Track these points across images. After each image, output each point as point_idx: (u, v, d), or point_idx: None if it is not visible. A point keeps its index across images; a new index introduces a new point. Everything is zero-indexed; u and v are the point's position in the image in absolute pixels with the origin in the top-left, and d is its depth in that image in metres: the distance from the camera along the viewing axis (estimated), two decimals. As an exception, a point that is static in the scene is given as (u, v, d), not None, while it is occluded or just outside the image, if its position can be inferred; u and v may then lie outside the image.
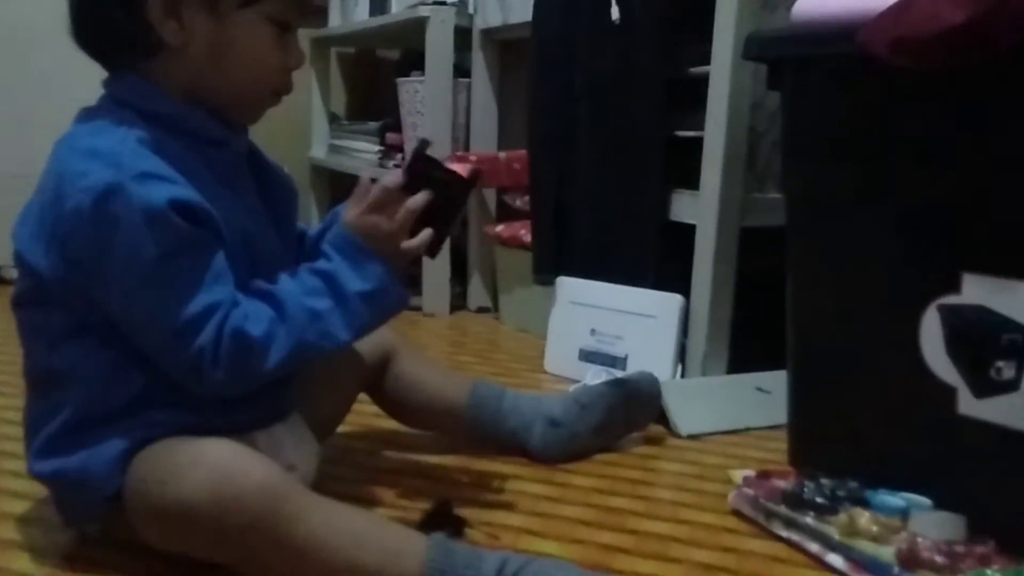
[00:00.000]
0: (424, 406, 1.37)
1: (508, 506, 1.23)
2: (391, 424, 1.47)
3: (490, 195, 2.40)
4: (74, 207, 0.92)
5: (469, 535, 1.12)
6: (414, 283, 2.37)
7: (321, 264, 1.02)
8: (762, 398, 1.61)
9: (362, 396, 1.38)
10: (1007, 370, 1.09)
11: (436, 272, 2.38)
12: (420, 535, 0.92)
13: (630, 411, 1.45)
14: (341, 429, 1.39)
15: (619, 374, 1.60)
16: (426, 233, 1.06)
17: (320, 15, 3.10)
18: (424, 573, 0.88)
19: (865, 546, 1.10)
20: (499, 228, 2.28)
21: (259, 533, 0.87)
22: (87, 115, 1.01)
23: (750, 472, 1.29)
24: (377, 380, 1.34)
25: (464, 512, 1.17)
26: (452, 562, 0.89)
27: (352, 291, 1.00)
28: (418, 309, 2.41)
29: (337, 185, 3.19)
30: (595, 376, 1.67)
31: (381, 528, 0.94)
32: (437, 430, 1.42)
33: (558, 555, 1.10)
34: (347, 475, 1.32)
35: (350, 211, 1.04)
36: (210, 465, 0.89)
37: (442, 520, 1.14)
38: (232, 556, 0.92)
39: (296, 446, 1.11)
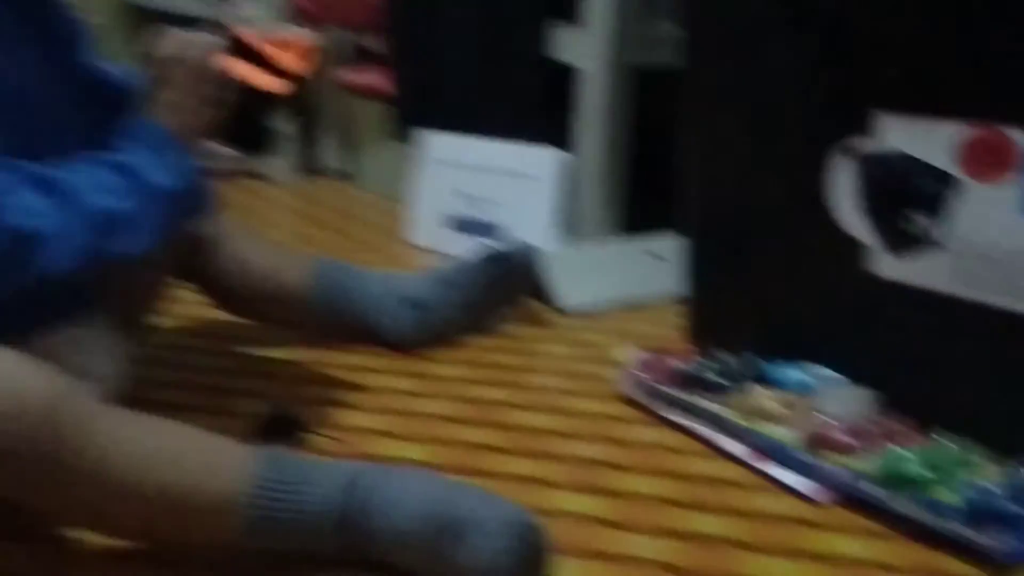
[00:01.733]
0: (258, 293, 1.29)
1: (360, 405, 1.19)
2: (222, 315, 1.39)
3: (343, 37, 2.27)
4: None
5: (312, 442, 1.08)
6: (253, 144, 2.25)
7: (120, 156, 0.93)
8: (656, 266, 1.59)
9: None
10: (923, 222, 1.08)
11: (282, 132, 2.26)
12: (244, 448, 0.86)
13: (502, 286, 1.41)
14: (168, 324, 1.32)
15: (493, 244, 1.55)
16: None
17: None
18: (247, 494, 0.83)
19: (767, 429, 1.10)
20: (353, 74, 2.17)
21: (44, 461, 0.80)
22: None
23: (640, 352, 1.27)
24: (197, 265, 1.26)
25: (307, 415, 1.12)
26: (284, 478, 0.83)
27: (156, 187, 0.92)
28: (259, 176, 2.30)
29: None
30: (465, 248, 1.62)
31: (196, 443, 0.87)
32: (275, 320, 1.35)
33: (420, 460, 1.06)
34: (170, 379, 1.25)
35: (155, 93, 0.96)
36: None
37: (279, 427, 1.09)
38: (19, 491, 0.84)
39: (101, 351, 1.03)
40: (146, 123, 0.96)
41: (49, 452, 0.80)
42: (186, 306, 1.39)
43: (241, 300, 1.31)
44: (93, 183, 0.90)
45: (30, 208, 0.86)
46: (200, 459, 0.84)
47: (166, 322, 1.34)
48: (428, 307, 1.34)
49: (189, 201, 0.97)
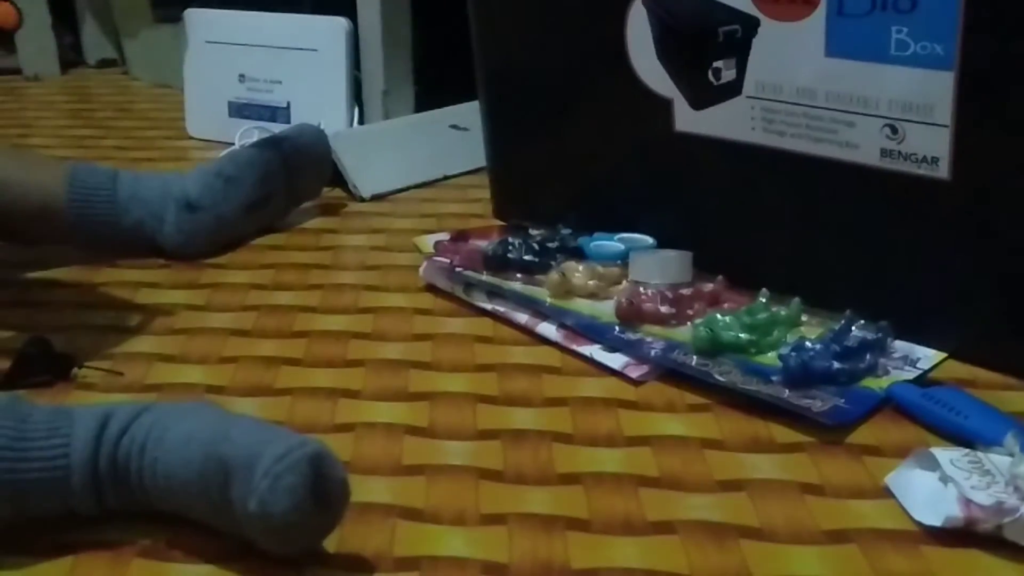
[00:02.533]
0: (4, 209, 1.15)
1: (138, 328, 1.07)
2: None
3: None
4: None
5: (81, 377, 0.96)
6: (3, 39, 2.03)
7: None
8: (459, 138, 1.50)
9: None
10: (727, 71, 1.03)
11: (33, 19, 2.03)
12: None
13: (292, 177, 1.30)
14: None
15: (279, 129, 1.42)
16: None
17: None
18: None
19: (581, 306, 1.04)
20: (104, -50, 1.95)
21: None
22: None
23: (443, 235, 1.19)
24: None
25: (75, 347, 1.00)
26: (24, 432, 0.72)
27: None
28: (16, 72, 2.07)
29: None
30: (246, 136, 1.49)
31: None
32: (30, 239, 1.21)
33: (203, 382, 0.96)
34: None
35: None
36: None
37: (37, 365, 0.96)
38: None
39: None
40: None
41: None
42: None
43: None
44: None
45: None
46: None
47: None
48: (206, 207, 1.21)
49: None
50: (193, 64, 1.67)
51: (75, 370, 0.97)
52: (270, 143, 1.30)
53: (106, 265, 1.21)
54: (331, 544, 0.73)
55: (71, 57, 2.16)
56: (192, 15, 1.65)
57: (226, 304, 1.12)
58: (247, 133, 1.52)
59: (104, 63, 2.15)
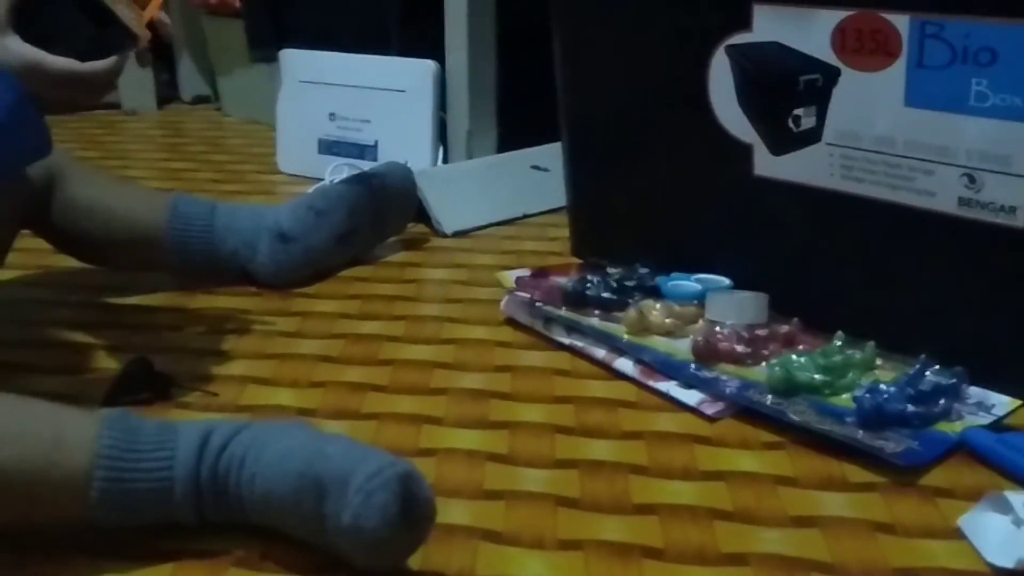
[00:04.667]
0: (110, 237, 1.21)
1: (233, 352, 1.12)
2: (70, 262, 1.30)
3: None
4: None
5: (179, 397, 1.01)
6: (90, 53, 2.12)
7: None
8: (540, 178, 1.54)
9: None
10: (806, 118, 1.05)
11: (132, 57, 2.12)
12: (89, 416, 0.79)
13: (380, 212, 1.35)
14: (10, 275, 1.23)
15: (366, 166, 1.48)
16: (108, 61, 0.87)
17: None
18: (93, 467, 0.76)
19: (657, 343, 1.07)
20: (205, -7, 2.04)
21: None
22: None
23: (524, 271, 1.22)
24: (34, 210, 1.16)
25: (174, 369, 1.05)
26: (132, 445, 0.77)
27: None
28: (115, 107, 2.16)
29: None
30: (336, 172, 1.55)
31: (37, 416, 0.78)
32: (132, 266, 1.27)
33: (294, 404, 1.01)
34: (16, 338, 1.16)
35: None
36: None
37: (139, 384, 1.01)
38: None
39: None
40: None
41: None
42: (28, 255, 1.29)
43: (89, 247, 1.23)
44: None
45: None
46: (43, 435, 0.76)
47: (9, 273, 1.25)
48: (298, 239, 1.27)
49: (16, 136, 0.85)
50: (286, 102, 1.73)
51: (173, 390, 1.02)
52: (360, 179, 1.35)
53: (201, 292, 1.26)
54: (416, 562, 0.77)
55: (167, 93, 2.25)
56: (287, 56, 1.72)
57: (315, 331, 1.17)
58: (337, 169, 1.58)
59: (198, 99, 2.24)
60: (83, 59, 0.86)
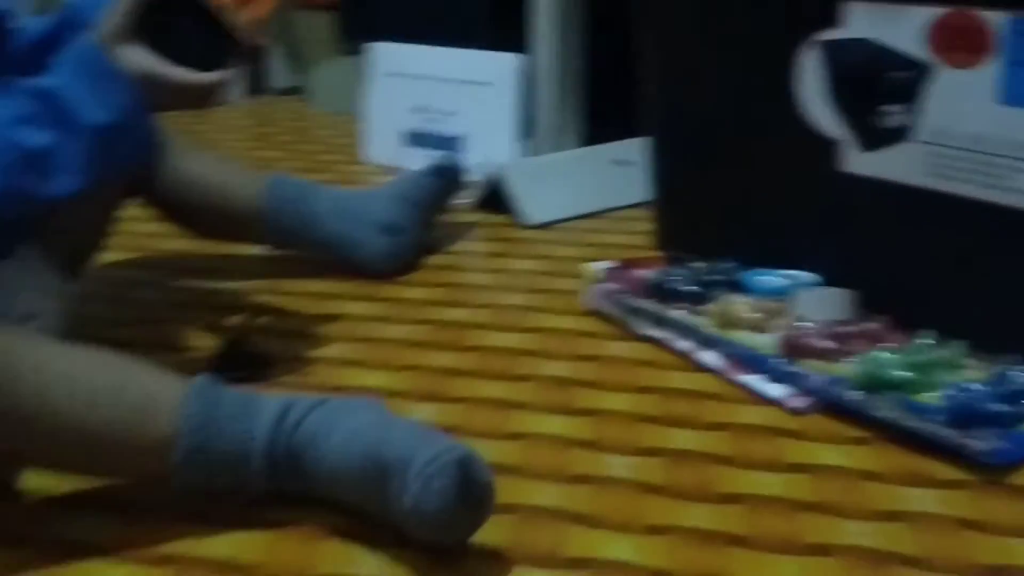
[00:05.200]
0: (210, 209, 1.25)
1: (324, 333, 1.15)
2: (168, 244, 1.34)
3: (281, -55, 2.18)
4: None
5: (274, 374, 1.04)
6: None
7: (45, 81, 0.85)
8: (624, 173, 1.55)
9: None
10: (897, 114, 1.05)
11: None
12: (178, 382, 0.81)
13: (448, 199, 1.39)
14: (113, 256, 1.27)
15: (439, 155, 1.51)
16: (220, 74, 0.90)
17: None
18: (179, 431, 0.77)
19: (743, 337, 1.07)
20: (296, -14, 2.09)
21: None
22: None
23: (609, 263, 1.24)
24: (149, 182, 1.20)
25: (268, 347, 1.08)
26: (216, 413, 0.78)
27: (86, 122, 0.84)
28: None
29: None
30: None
31: (128, 379, 0.81)
32: (229, 238, 1.31)
33: (385, 387, 1.03)
34: (120, 316, 1.21)
35: (108, 19, 0.87)
36: None
37: (237, 360, 1.05)
38: None
39: (32, 288, 0.98)
40: (79, 46, 0.86)
41: None
42: (128, 237, 1.34)
43: (191, 217, 1.27)
44: (9, 114, 0.83)
45: None
46: (129, 398, 0.79)
47: (111, 255, 1.29)
48: (402, 231, 1.30)
49: (127, 140, 0.89)
50: (374, 94, 1.77)
51: (269, 369, 1.05)
52: (439, 172, 1.37)
53: (294, 277, 1.30)
54: (505, 541, 0.79)
55: (256, 83, 2.30)
56: (376, 48, 1.75)
57: (404, 317, 1.20)
58: (424, 160, 1.60)
59: (287, 91, 2.28)
60: (197, 66, 0.88)
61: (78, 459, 0.80)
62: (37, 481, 0.86)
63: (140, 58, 0.86)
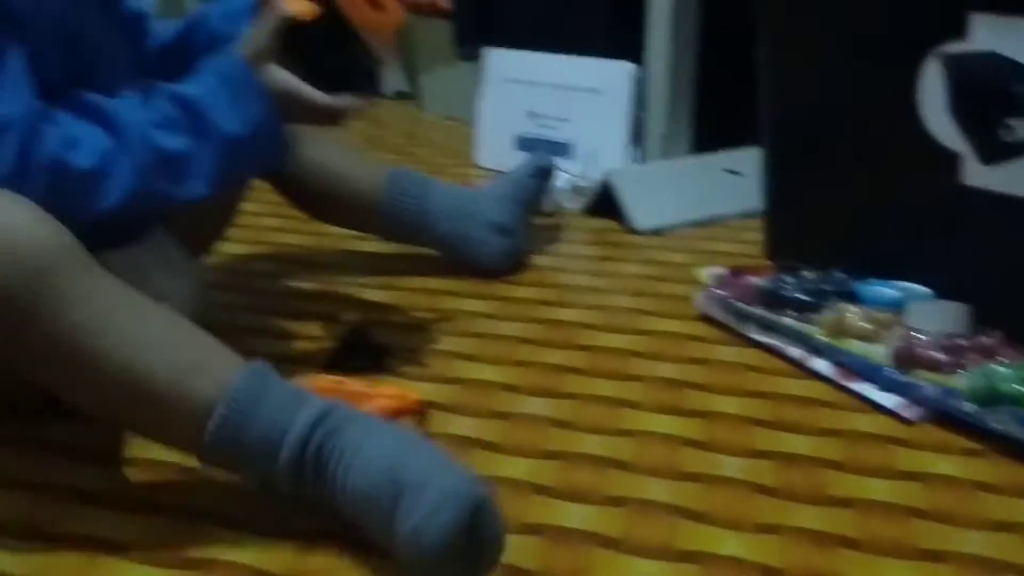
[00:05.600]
0: (333, 197, 1.29)
1: (439, 328, 1.19)
2: (291, 238, 1.40)
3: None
4: None
5: (392, 365, 1.08)
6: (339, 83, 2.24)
7: (187, 88, 0.89)
8: (733, 182, 1.56)
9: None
10: (1020, 128, 1.04)
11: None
12: (236, 358, 0.80)
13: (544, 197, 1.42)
14: (236, 248, 1.32)
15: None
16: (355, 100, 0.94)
17: None
18: (221, 403, 0.77)
19: (854, 346, 1.08)
20: (412, -7, 2.13)
21: (22, 314, 0.75)
22: None
23: (720, 269, 1.25)
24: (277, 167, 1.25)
25: (385, 338, 1.12)
26: (262, 396, 0.78)
27: (223, 132, 0.88)
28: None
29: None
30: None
31: (185, 335, 0.81)
32: (349, 226, 1.36)
33: (498, 380, 1.06)
34: (244, 303, 1.26)
35: (255, 37, 0.91)
36: None
37: (357, 351, 1.09)
38: (5, 342, 0.78)
39: (164, 269, 1.02)
40: (224, 59, 0.90)
41: (31, 309, 0.76)
42: (251, 231, 1.40)
43: (314, 203, 1.31)
44: (150, 117, 0.87)
45: (81, 142, 0.84)
46: (189, 354, 0.80)
47: (234, 247, 1.35)
48: (513, 232, 1.33)
49: (259, 150, 0.92)
50: (487, 99, 1.80)
51: (388, 360, 1.09)
52: (539, 173, 1.39)
53: (410, 273, 1.34)
54: (618, 532, 0.81)
55: (369, 89, 2.36)
56: (491, 54, 1.79)
57: (516, 315, 1.23)
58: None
59: (399, 95, 2.33)
60: (330, 86, 0.92)
61: (118, 402, 0.79)
62: (66, 479, 0.89)
63: (281, 77, 0.90)
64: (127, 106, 0.87)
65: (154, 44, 1.10)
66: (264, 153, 0.93)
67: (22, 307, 0.75)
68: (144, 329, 0.79)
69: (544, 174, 1.39)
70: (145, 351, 0.78)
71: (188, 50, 1.07)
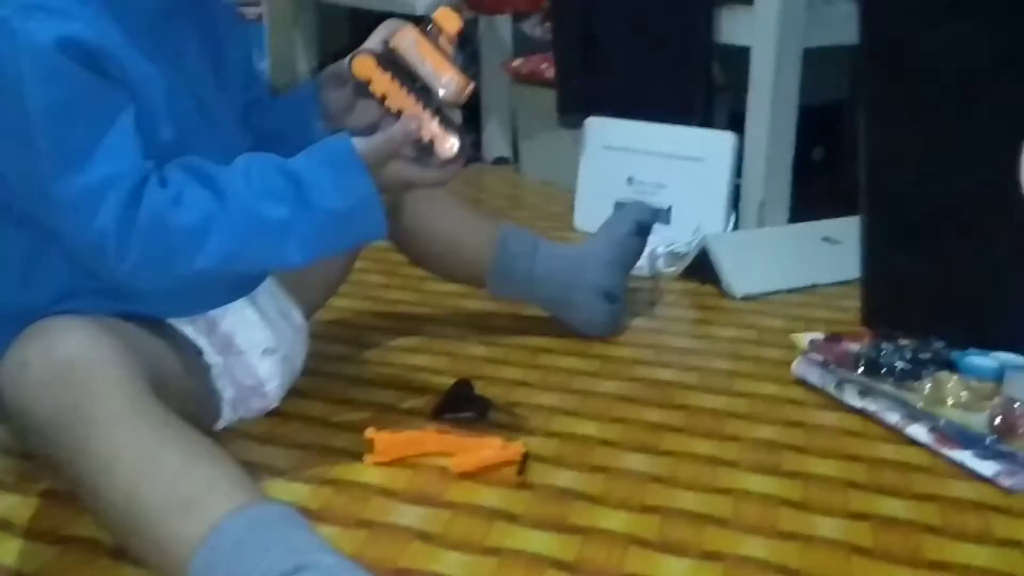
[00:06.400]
0: (443, 254, 1.33)
1: (540, 383, 1.23)
2: (396, 294, 1.46)
3: (505, 24, 2.32)
4: None
5: (495, 417, 1.12)
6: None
7: (294, 162, 0.93)
8: (830, 250, 1.58)
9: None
10: (1125, 204, 1.05)
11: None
12: (243, 493, 0.79)
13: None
14: (341, 302, 1.38)
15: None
16: (443, 172, 0.98)
17: None
18: (202, 546, 0.75)
19: (953, 414, 1.08)
20: (516, 62, 2.21)
21: (58, 430, 0.82)
22: None
23: (817, 335, 1.27)
24: (392, 220, 1.30)
25: (489, 391, 1.16)
26: (245, 543, 0.75)
27: (321, 206, 0.92)
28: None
29: (326, 20, 3.09)
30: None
31: (194, 468, 0.81)
32: (457, 280, 1.40)
33: (596, 436, 1.09)
34: (350, 354, 1.31)
35: (379, 145, 0.95)
36: (55, 348, 0.84)
37: (462, 403, 1.14)
38: (53, 453, 0.84)
39: (272, 325, 1.07)
40: (333, 140, 0.95)
41: (75, 426, 0.81)
42: (359, 287, 1.46)
43: (426, 258, 1.35)
44: (254, 184, 0.91)
45: (184, 201, 0.88)
46: (188, 489, 0.80)
47: (345, 301, 1.41)
48: (620, 298, 1.36)
49: (359, 224, 0.96)
50: (588, 165, 1.86)
51: (491, 412, 1.13)
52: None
53: (511, 331, 1.38)
54: (716, 584, 0.83)
55: (471, 152, 2.43)
56: (592, 123, 1.85)
57: (615, 373, 1.26)
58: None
59: (498, 160, 2.41)
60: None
61: (119, 527, 0.81)
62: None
63: (397, 171, 0.96)
64: (232, 171, 0.92)
65: (263, 109, 1.14)
66: (363, 228, 0.97)
67: (60, 423, 0.82)
68: (153, 461, 0.80)
69: (645, 231, 1.41)
70: (147, 484, 0.79)
71: (295, 121, 1.10)
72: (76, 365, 0.83)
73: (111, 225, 0.85)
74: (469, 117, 2.39)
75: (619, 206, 1.76)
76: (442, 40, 0.96)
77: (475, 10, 2.22)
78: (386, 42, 0.97)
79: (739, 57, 1.66)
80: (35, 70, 0.84)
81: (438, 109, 0.95)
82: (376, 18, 1.05)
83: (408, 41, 0.95)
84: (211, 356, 1.02)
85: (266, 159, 0.94)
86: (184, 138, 0.94)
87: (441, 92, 0.95)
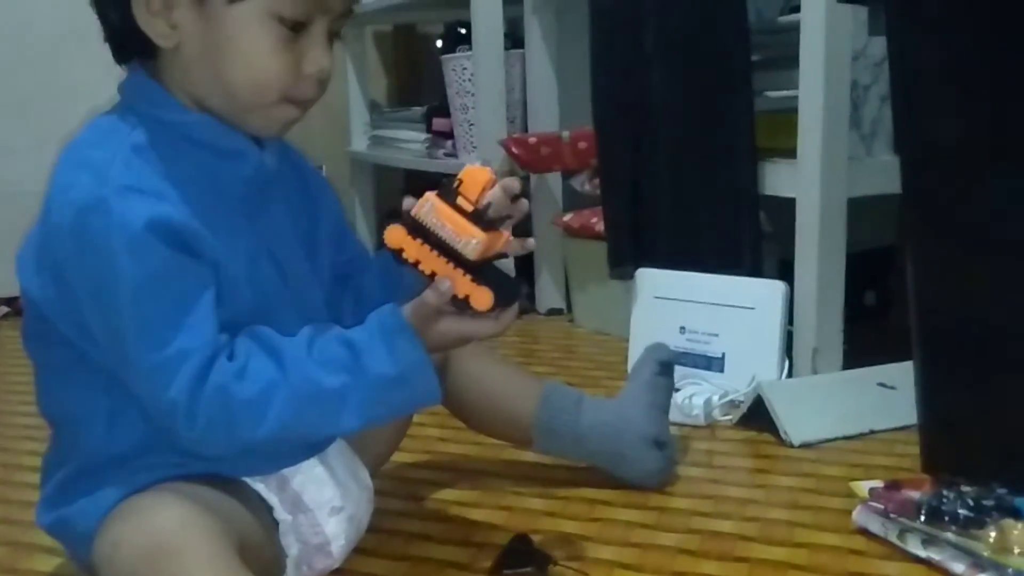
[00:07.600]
0: (488, 412, 1.35)
1: (598, 537, 1.23)
2: (453, 448, 1.47)
3: (555, 181, 2.40)
4: (56, 223, 0.93)
5: (555, 572, 1.12)
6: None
7: (351, 332, 0.99)
8: (886, 396, 1.58)
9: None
10: None
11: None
12: None
13: None
14: (399, 456, 1.40)
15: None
16: (498, 323, 1.01)
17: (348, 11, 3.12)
18: None
19: (1021, 564, 1.06)
20: (567, 217, 2.27)
21: None
22: (96, 120, 1.01)
23: (877, 483, 1.26)
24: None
25: (547, 545, 1.17)
26: None
27: (376, 372, 0.96)
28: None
29: (382, 180, 3.21)
30: (687, 383, 1.66)
31: None
32: (504, 438, 1.41)
33: (658, 591, 1.09)
34: (408, 510, 1.33)
35: (422, 306, 0.98)
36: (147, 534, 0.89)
37: (521, 556, 1.14)
38: None
39: (341, 482, 1.10)
40: (386, 311, 0.99)
41: None
42: (421, 441, 1.48)
43: (473, 416, 1.37)
44: (315, 354, 0.96)
45: (248, 373, 0.93)
46: None
47: (403, 456, 1.43)
48: (668, 445, 1.37)
49: (411, 390, 0.99)
50: (640, 315, 1.88)
51: (551, 566, 1.13)
52: (664, 370, 1.41)
53: (567, 486, 1.38)
54: None
55: (525, 304, 2.48)
56: (643, 274, 1.88)
57: (673, 526, 1.26)
58: (686, 380, 1.68)
59: (552, 311, 2.45)
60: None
61: None
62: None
63: (446, 329, 0.99)
64: (296, 341, 0.97)
65: (362, 265, 1.19)
66: (418, 392, 1.00)
67: None
68: None
69: (668, 370, 1.42)
70: None
71: (387, 277, 1.15)
72: (169, 543, 0.88)
73: (181, 397, 0.91)
74: (522, 269, 2.45)
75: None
76: (461, 200, 0.97)
77: (527, 169, 2.30)
78: (409, 211, 1.00)
79: (786, 205, 1.69)
80: (126, 248, 0.90)
81: (472, 265, 0.97)
82: (429, 178, 1.10)
83: (426, 208, 0.97)
84: (280, 513, 1.05)
85: (328, 329, 0.99)
86: (264, 303, 1.00)
87: (466, 253, 0.97)
